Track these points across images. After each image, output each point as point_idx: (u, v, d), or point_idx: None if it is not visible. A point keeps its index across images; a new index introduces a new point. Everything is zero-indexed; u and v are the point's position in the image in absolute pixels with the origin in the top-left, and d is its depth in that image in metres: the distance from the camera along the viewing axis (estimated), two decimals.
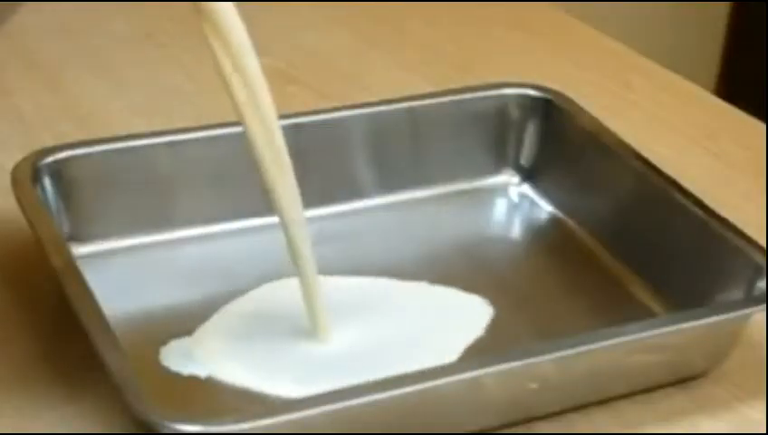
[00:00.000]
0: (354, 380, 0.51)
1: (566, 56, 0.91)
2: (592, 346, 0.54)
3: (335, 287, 0.62)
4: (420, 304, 0.63)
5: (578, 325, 0.61)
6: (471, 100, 0.73)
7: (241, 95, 0.53)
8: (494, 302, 0.63)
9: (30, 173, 0.62)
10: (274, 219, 0.64)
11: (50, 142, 0.66)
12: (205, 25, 0.52)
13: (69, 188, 0.64)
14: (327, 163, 0.68)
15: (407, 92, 0.73)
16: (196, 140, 0.67)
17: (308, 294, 0.58)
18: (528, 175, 0.73)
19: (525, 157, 0.73)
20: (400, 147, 0.71)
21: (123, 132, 0.67)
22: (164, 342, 0.58)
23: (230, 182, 0.67)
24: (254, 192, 0.66)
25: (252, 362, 0.57)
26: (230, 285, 0.63)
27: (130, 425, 0.51)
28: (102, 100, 0.79)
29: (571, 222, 0.70)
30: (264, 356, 0.58)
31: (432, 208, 0.71)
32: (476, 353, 0.59)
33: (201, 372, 0.56)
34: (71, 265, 0.56)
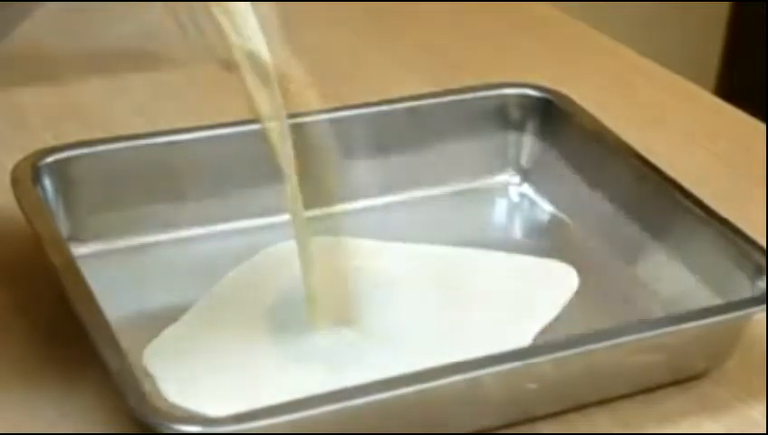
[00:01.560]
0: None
1: (566, 56, 0.91)
2: (592, 346, 0.54)
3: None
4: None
5: (578, 325, 0.61)
6: (471, 100, 0.73)
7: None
8: None
9: (30, 173, 0.62)
10: (275, 219, 0.65)
11: (50, 142, 0.66)
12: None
13: (69, 188, 0.64)
14: None
15: (407, 92, 0.73)
16: (197, 139, 0.67)
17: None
18: (528, 175, 0.73)
19: (525, 157, 0.73)
20: (400, 147, 0.71)
21: (124, 132, 0.67)
22: None
23: (231, 182, 0.67)
24: (254, 192, 0.67)
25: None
26: None
27: (130, 425, 0.51)
28: (103, 99, 0.79)
29: (571, 222, 0.69)
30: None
31: (432, 208, 0.71)
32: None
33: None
34: (71, 264, 0.56)
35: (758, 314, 0.58)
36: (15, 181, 0.62)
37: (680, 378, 0.58)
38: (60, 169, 0.63)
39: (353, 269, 0.58)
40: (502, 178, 0.73)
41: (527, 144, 0.73)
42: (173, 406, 0.52)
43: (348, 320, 0.58)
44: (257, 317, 0.59)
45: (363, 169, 0.69)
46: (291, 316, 0.59)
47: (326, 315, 0.59)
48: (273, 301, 0.60)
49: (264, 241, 0.65)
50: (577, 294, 0.63)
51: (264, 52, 0.53)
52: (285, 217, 0.60)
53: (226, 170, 0.66)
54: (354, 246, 0.57)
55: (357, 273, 0.58)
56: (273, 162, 0.61)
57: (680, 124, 0.82)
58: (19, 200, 0.60)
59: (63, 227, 0.62)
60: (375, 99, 0.72)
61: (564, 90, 0.73)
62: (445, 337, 0.59)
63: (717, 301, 0.60)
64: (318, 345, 0.57)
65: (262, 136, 0.65)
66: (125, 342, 0.52)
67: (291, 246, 0.61)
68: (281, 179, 0.63)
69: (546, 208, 0.71)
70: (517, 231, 0.71)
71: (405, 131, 0.71)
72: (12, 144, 0.70)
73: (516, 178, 0.73)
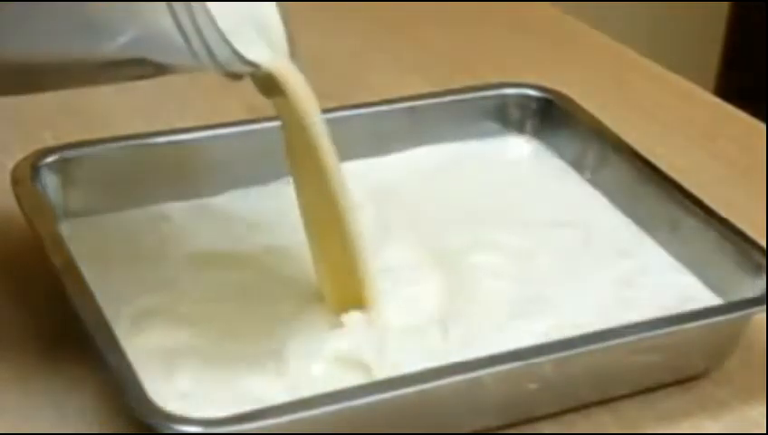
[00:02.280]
0: None
1: (566, 56, 0.91)
2: (592, 346, 0.54)
3: None
4: None
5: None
6: (471, 100, 0.73)
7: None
8: None
9: (30, 173, 0.62)
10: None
11: (50, 142, 0.66)
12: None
13: (69, 188, 0.64)
14: None
15: (407, 92, 0.73)
16: (197, 139, 0.67)
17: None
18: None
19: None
20: (400, 147, 0.71)
21: (124, 132, 0.67)
22: None
23: (232, 181, 0.67)
24: (256, 191, 0.67)
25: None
26: None
27: (130, 425, 0.51)
28: (103, 99, 0.79)
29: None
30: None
31: None
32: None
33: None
34: (71, 264, 0.56)
35: (758, 314, 0.58)
36: (15, 181, 0.62)
37: (680, 378, 0.58)
38: (60, 169, 0.63)
39: (358, 266, 0.58)
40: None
41: (527, 144, 0.73)
42: (173, 406, 0.52)
43: (356, 313, 0.58)
44: (260, 316, 0.59)
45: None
46: (295, 314, 0.59)
47: (334, 310, 0.59)
48: (278, 299, 0.60)
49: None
50: (577, 293, 0.63)
51: (266, 55, 0.53)
52: (288, 215, 0.60)
53: (227, 170, 0.66)
54: (357, 242, 0.57)
55: (361, 269, 0.58)
56: (274, 162, 0.61)
57: (680, 124, 0.82)
58: (19, 200, 0.60)
59: (63, 226, 0.62)
60: (375, 99, 0.72)
61: (564, 90, 0.73)
62: (446, 334, 0.59)
63: (717, 301, 0.60)
64: (324, 342, 0.57)
65: (263, 135, 0.65)
66: (125, 342, 0.52)
67: (293, 244, 0.61)
68: (282, 179, 0.63)
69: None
70: None
71: (405, 131, 0.71)
72: (12, 144, 0.70)
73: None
